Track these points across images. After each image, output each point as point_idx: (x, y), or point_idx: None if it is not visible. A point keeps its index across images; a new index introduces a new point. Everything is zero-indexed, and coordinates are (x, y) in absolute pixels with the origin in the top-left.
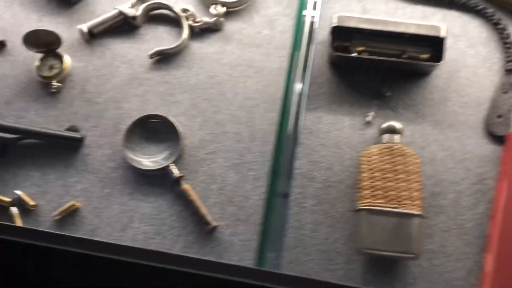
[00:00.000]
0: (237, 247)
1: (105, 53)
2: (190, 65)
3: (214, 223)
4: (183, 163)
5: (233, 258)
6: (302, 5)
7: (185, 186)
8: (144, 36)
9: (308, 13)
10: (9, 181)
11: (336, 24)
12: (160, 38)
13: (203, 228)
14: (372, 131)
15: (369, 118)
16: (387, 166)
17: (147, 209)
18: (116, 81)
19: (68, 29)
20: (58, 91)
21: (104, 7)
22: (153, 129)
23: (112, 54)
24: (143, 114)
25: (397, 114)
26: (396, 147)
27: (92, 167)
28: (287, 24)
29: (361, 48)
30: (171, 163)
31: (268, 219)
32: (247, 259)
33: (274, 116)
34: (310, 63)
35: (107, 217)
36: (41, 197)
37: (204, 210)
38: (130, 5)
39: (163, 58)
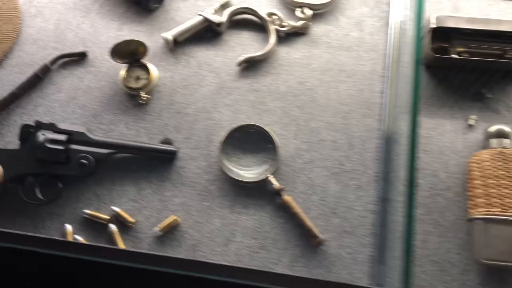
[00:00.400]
0: (346, 260)
1: (190, 62)
2: (278, 71)
3: (322, 236)
4: (280, 174)
5: (342, 272)
6: (420, 9)
7: (287, 198)
8: (228, 43)
9: (399, 13)
10: (104, 197)
11: (435, 25)
12: (245, 44)
13: (308, 241)
14: (476, 135)
15: (471, 122)
16: (502, 172)
17: (249, 222)
18: (204, 91)
19: (149, 37)
20: (146, 102)
21: (184, 13)
22: (248, 139)
23: (198, 63)
24: (238, 125)
25: (500, 116)
26: (508, 151)
27: (189, 180)
28: (375, 25)
29: (461, 49)
30: (270, 174)
31: (383, 230)
32: (357, 273)
33: (371, 121)
34: (404, 66)
35: (209, 231)
36: (138, 213)
37: (309, 223)
38: (213, 11)
39: (250, 65)
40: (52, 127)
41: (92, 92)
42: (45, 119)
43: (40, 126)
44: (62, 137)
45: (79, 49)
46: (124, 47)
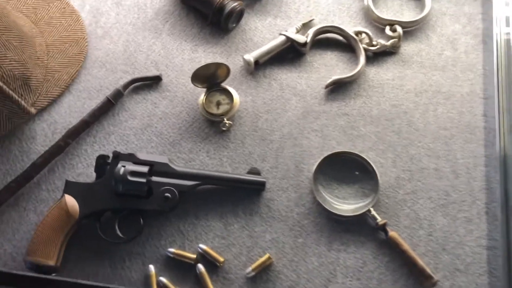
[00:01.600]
0: None
1: (272, 85)
2: (368, 93)
3: (436, 278)
4: (380, 206)
5: None
6: None
7: (393, 234)
8: (312, 64)
9: (502, 29)
10: (189, 234)
11: None
12: (330, 65)
13: (417, 282)
14: None
15: None
16: None
17: (350, 261)
18: (289, 116)
19: (225, 59)
20: (228, 129)
21: (262, 34)
22: (343, 168)
23: (280, 86)
24: (330, 152)
25: None
26: None
27: (279, 214)
28: (469, 43)
29: None
30: (371, 207)
31: (507, 269)
32: None
33: (475, 147)
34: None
35: (306, 271)
36: (227, 250)
37: (420, 261)
38: (295, 31)
39: (337, 87)
40: (131, 158)
41: (169, 118)
42: (119, 149)
43: (118, 156)
44: (144, 168)
45: (151, 72)
46: (204, 70)
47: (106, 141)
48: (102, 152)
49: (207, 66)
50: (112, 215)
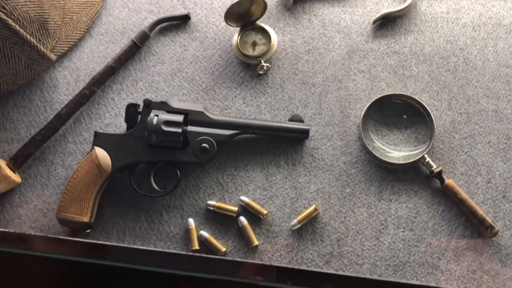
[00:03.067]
0: None
1: (312, 22)
2: (421, 28)
3: (497, 227)
4: (435, 152)
5: None
6: None
7: (450, 182)
8: None
9: None
10: (228, 185)
11: None
12: None
13: (475, 232)
14: None
15: None
16: None
17: (402, 211)
18: (332, 56)
19: None
20: (266, 72)
21: None
22: (394, 112)
23: (322, 22)
24: (380, 95)
25: None
26: None
27: (324, 163)
28: None
29: None
30: (425, 153)
31: None
32: None
33: None
34: None
35: (354, 223)
36: (269, 202)
37: (480, 210)
38: None
39: (386, 23)
40: (164, 106)
41: (200, 62)
42: (148, 96)
43: (149, 105)
44: (178, 117)
45: (178, 11)
46: (238, 7)
47: (134, 88)
48: (130, 101)
49: (240, 2)
50: (146, 168)
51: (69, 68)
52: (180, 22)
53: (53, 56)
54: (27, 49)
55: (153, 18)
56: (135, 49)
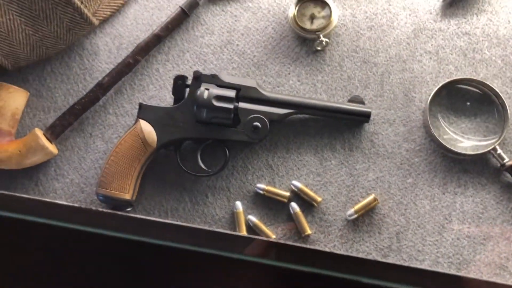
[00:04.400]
0: None
1: None
2: (495, 9)
3: None
4: (507, 143)
5: None
6: None
7: None
8: None
9: None
10: (279, 169)
11: None
12: None
13: None
14: None
15: None
16: None
17: (468, 206)
18: (397, 34)
19: None
20: (323, 49)
21: None
22: (463, 98)
23: None
24: (448, 79)
25: None
26: None
27: (384, 150)
28: None
29: None
30: (497, 145)
31: None
32: None
33: None
34: None
35: (416, 215)
36: (323, 189)
37: None
38: None
39: (456, 1)
40: (215, 80)
41: (252, 34)
42: (195, 69)
43: (199, 78)
44: (230, 93)
45: None
46: None
47: (180, 59)
48: (176, 72)
49: None
50: (193, 145)
51: (111, 35)
52: None
53: (95, 21)
54: (70, 11)
55: None
56: (184, 18)
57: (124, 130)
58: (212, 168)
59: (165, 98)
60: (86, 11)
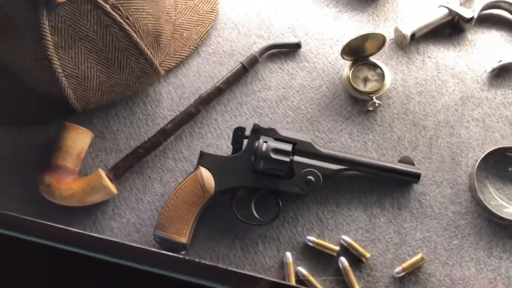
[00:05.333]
0: None
1: (426, 63)
2: None
3: None
4: None
5: None
6: None
7: None
8: (473, 42)
9: None
10: (328, 222)
11: None
12: (495, 46)
13: None
14: None
15: None
16: None
17: None
18: (445, 100)
19: (372, 30)
20: (375, 109)
21: (416, 3)
22: (510, 166)
23: (436, 65)
24: (495, 147)
25: None
26: None
27: (432, 210)
28: None
29: None
30: None
31: None
32: None
33: None
34: None
35: (461, 277)
36: (371, 245)
37: None
38: (458, 2)
39: (503, 72)
40: (272, 133)
41: (307, 92)
42: (251, 121)
43: (258, 130)
44: (287, 146)
45: (288, 39)
46: (355, 42)
47: (238, 111)
48: (233, 123)
49: (361, 37)
50: (246, 193)
51: (174, 84)
52: (289, 50)
53: (162, 71)
54: (142, 61)
55: (262, 43)
56: (243, 73)
57: (182, 175)
58: (263, 217)
59: (221, 147)
60: (155, 62)
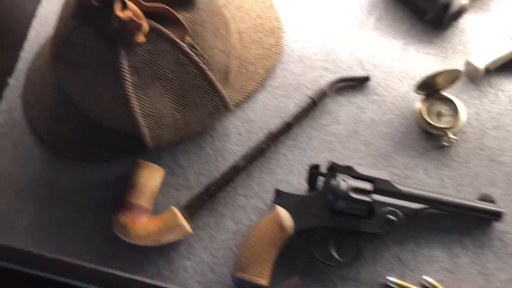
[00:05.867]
0: None
1: (499, 97)
2: None
3: None
4: None
5: None
6: None
7: None
8: None
9: None
10: (409, 262)
11: None
12: None
13: None
14: None
15: None
16: None
17: None
18: None
19: (441, 62)
20: (450, 145)
21: (485, 35)
22: None
23: (509, 98)
24: None
25: None
26: None
27: None
28: None
29: None
30: None
31: None
32: None
33: None
34: None
35: None
36: (454, 287)
37: None
38: None
39: None
40: (349, 171)
41: (378, 126)
42: (321, 156)
43: (334, 168)
44: (367, 185)
45: (355, 72)
46: (431, 77)
47: (307, 146)
48: (303, 158)
49: (439, 72)
50: (323, 232)
51: (241, 119)
52: (357, 83)
53: (232, 107)
54: (215, 99)
55: (328, 76)
56: (312, 107)
57: (254, 212)
58: (341, 257)
59: (292, 182)
60: (227, 98)
